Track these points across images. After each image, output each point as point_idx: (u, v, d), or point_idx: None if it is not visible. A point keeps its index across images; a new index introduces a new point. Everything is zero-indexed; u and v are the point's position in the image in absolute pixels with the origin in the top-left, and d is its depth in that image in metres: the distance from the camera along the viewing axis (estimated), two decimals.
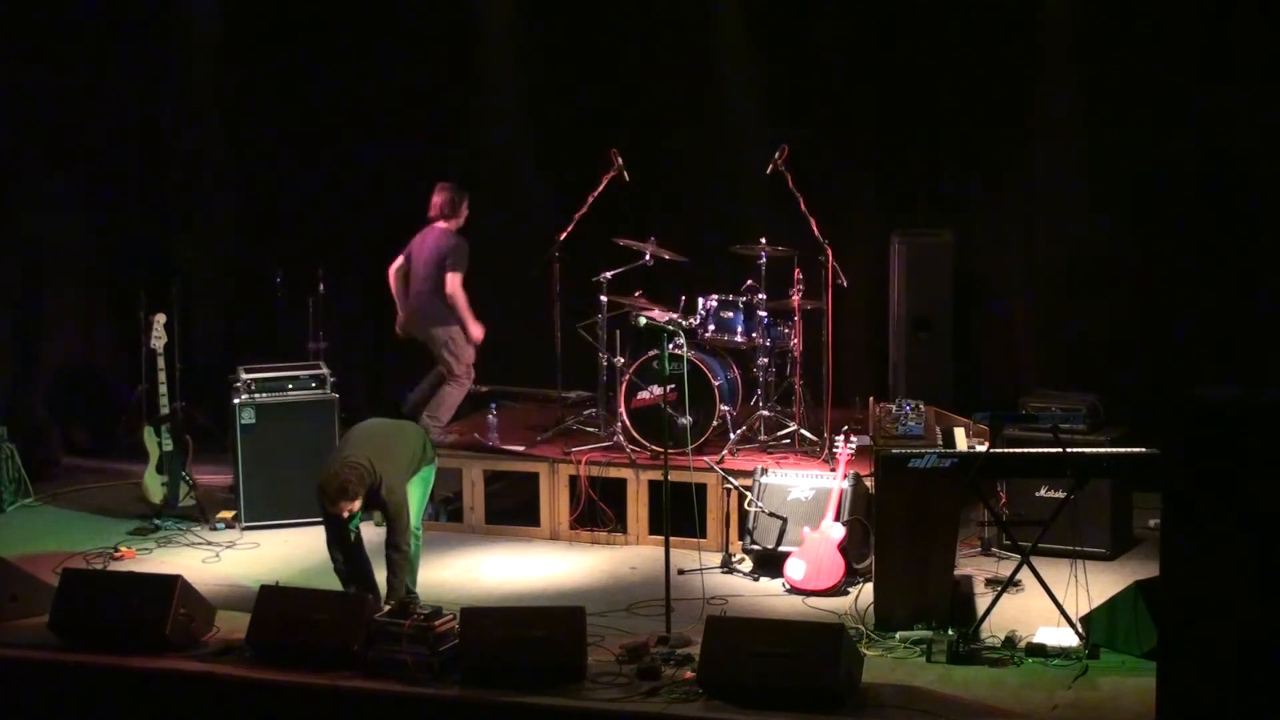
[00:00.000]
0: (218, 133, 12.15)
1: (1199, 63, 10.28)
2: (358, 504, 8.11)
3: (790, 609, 8.57)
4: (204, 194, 12.25)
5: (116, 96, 11.82)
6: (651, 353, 9.75)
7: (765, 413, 10.04)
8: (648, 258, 10.21)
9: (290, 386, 10.19)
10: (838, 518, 8.89)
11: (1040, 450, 8.32)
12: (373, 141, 11.93)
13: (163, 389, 10.39)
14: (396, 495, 8.22)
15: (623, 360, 10.06)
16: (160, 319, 10.40)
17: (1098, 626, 7.87)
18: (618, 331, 10.22)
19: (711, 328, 10.09)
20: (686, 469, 9.25)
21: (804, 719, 7.11)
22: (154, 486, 10.25)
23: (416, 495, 8.50)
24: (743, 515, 9.29)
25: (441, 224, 10.37)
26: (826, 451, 9.61)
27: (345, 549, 8.35)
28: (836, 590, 8.71)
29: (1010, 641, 7.82)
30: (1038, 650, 7.74)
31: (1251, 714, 6.57)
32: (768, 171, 9.85)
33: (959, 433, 8.45)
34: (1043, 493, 9.07)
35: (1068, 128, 10.71)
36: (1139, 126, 10.49)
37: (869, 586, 8.43)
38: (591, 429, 10.22)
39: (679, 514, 8.70)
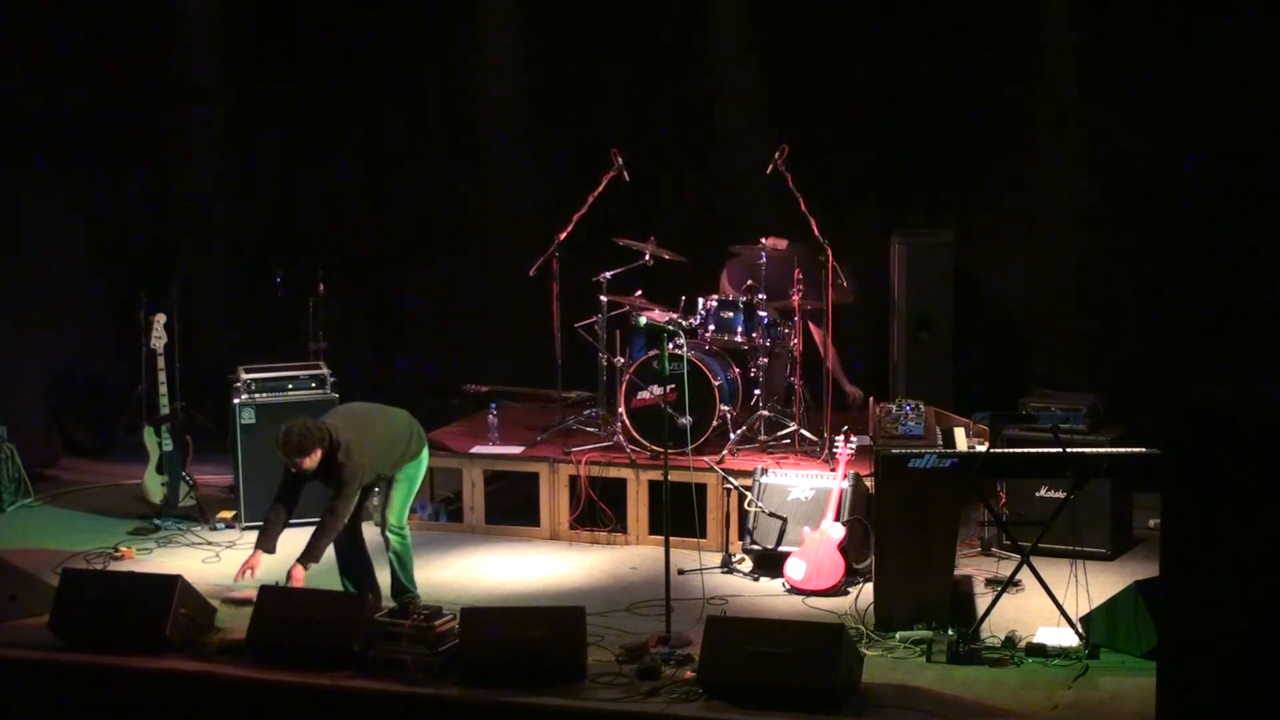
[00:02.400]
0: (218, 133, 12.14)
1: (1199, 62, 10.28)
2: (308, 461, 8.06)
3: (790, 609, 8.57)
4: (204, 194, 12.25)
5: (117, 96, 11.81)
6: (652, 353, 9.76)
7: (765, 413, 10.04)
8: (648, 258, 10.22)
9: (290, 386, 10.19)
10: (838, 518, 8.89)
11: (1040, 450, 8.32)
12: (373, 141, 11.93)
13: (163, 389, 10.40)
14: (351, 464, 8.12)
15: (623, 360, 10.07)
16: (160, 319, 10.40)
17: (1098, 626, 7.87)
18: (618, 331, 10.22)
19: (711, 328, 10.09)
20: (686, 469, 9.24)
21: (804, 719, 7.12)
22: (154, 486, 10.25)
23: (401, 492, 8.48)
24: (743, 515, 9.29)
25: None
26: (826, 451, 9.61)
27: (287, 503, 8.30)
28: (836, 590, 8.71)
29: (1010, 641, 7.82)
30: (1038, 650, 7.74)
31: (1251, 714, 6.56)
32: (768, 171, 9.85)
33: (959, 433, 8.45)
34: (1043, 493, 9.06)
35: (1068, 127, 10.71)
36: (1139, 126, 10.49)
37: (869, 586, 8.43)
38: (591, 429, 10.22)
39: (679, 514, 8.70)
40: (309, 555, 8.16)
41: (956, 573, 8.56)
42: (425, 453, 8.63)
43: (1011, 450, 8.45)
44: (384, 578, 8.52)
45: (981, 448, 8.26)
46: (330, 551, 8.39)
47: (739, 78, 11.31)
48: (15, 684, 7.96)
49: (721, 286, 10.52)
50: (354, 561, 8.50)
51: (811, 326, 10.25)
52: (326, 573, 8.69)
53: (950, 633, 7.86)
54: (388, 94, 11.89)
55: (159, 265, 11.82)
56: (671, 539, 8.32)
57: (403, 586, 8.48)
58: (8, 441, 10.52)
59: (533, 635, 7.57)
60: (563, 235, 10.09)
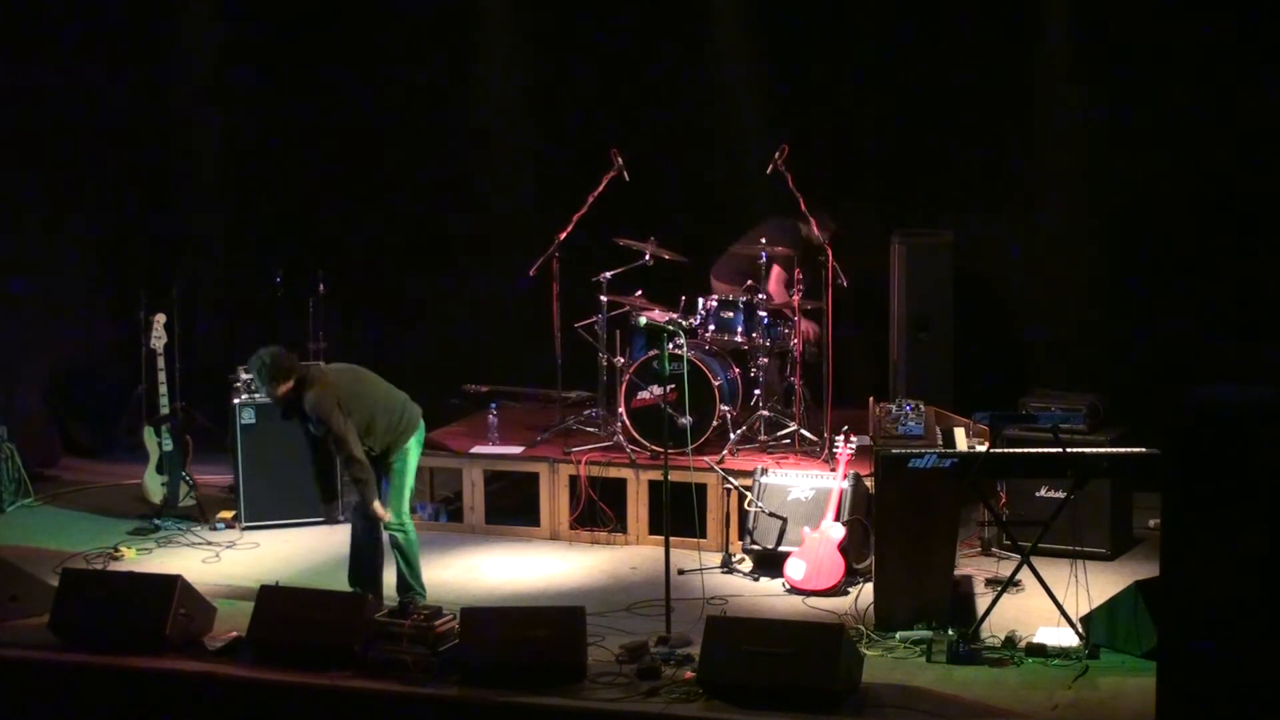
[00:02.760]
0: (218, 133, 12.15)
1: (1199, 62, 10.28)
2: (274, 388, 8.28)
3: (790, 609, 8.57)
4: (204, 194, 12.25)
5: (117, 96, 11.82)
6: (652, 353, 9.76)
7: (765, 413, 10.04)
8: (648, 258, 10.22)
9: None
10: (838, 518, 8.89)
11: (1040, 450, 8.31)
12: (373, 141, 11.93)
13: (163, 389, 10.40)
14: (319, 404, 8.22)
15: (623, 360, 10.07)
16: (160, 319, 10.40)
17: (1098, 626, 7.87)
18: (618, 332, 10.22)
19: (711, 328, 10.09)
20: (686, 469, 9.24)
21: (804, 719, 7.12)
22: (154, 486, 10.25)
23: (395, 485, 8.46)
24: (743, 515, 9.29)
25: None
26: (826, 451, 9.61)
27: (322, 461, 8.66)
28: (836, 590, 8.71)
29: (1010, 641, 7.82)
30: (1038, 650, 7.74)
31: (1251, 714, 6.56)
32: (768, 171, 9.85)
33: (959, 433, 8.46)
34: (1043, 493, 9.06)
35: (1068, 128, 10.71)
36: (1139, 126, 10.49)
37: (869, 586, 8.43)
38: (591, 429, 10.22)
39: (679, 514, 8.70)
40: (365, 504, 8.32)
41: (956, 573, 8.57)
42: (414, 442, 8.53)
43: (1011, 450, 8.45)
44: (390, 579, 8.53)
45: (981, 448, 8.26)
46: (344, 547, 8.53)
47: (739, 77, 11.31)
48: (15, 684, 7.96)
49: (713, 285, 10.52)
50: (366, 561, 8.49)
51: (776, 268, 10.23)
52: (329, 572, 8.70)
53: (950, 633, 7.86)
54: (388, 94, 11.89)
55: (159, 265, 11.82)
56: (671, 539, 8.33)
57: (406, 584, 8.47)
58: (8, 441, 10.52)
59: (533, 635, 7.57)
60: (563, 235, 10.08)
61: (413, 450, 8.53)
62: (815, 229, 9.79)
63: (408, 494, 8.55)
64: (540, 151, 11.70)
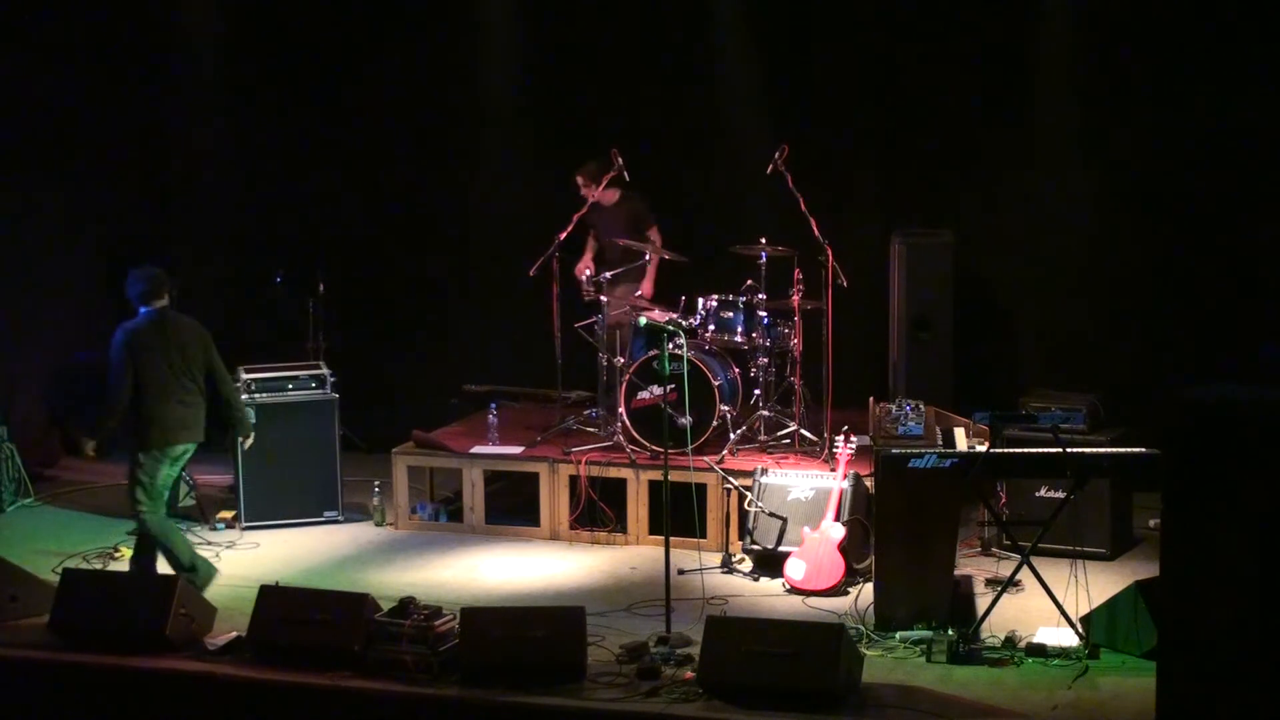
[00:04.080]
0: (218, 133, 12.14)
1: (1198, 62, 10.29)
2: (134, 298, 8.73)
3: (790, 609, 8.57)
4: (204, 193, 12.25)
5: (117, 96, 11.81)
6: (652, 353, 9.76)
7: (765, 413, 10.04)
8: (648, 257, 10.21)
9: (290, 386, 10.20)
10: (838, 518, 8.89)
11: (1040, 450, 8.31)
12: (373, 141, 11.93)
13: None
14: (115, 344, 8.63)
15: (623, 360, 10.07)
16: None
17: (1098, 626, 7.87)
18: (617, 332, 10.22)
19: (711, 328, 10.09)
20: (686, 469, 9.24)
21: (804, 719, 7.12)
22: None
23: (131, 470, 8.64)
24: (743, 515, 9.29)
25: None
26: (826, 451, 9.61)
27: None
28: (836, 590, 8.71)
29: (1010, 641, 7.82)
30: (1038, 650, 7.74)
31: (1251, 714, 6.57)
32: (768, 171, 9.85)
33: (959, 433, 8.45)
34: (1043, 493, 9.07)
35: (1068, 128, 10.71)
36: (1139, 126, 10.50)
37: (869, 586, 8.43)
38: (591, 429, 10.22)
39: (679, 514, 8.70)
40: (91, 432, 8.68)
41: (956, 573, 8.56)
42: (175, 449, 8.68)
43: (1011, 450, 8.43)
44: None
45: (981, 448, 8.26)
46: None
47: (739, 78, 11.31)
48: (15, 684, 7.96)
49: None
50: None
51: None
52: (329, 573, 8.70)
53: (950, 633, 7.86)
54: (388, 94, 11.89)
55: (159, 265, 11.79)
56: (671, 539, 8.33)
57: (179, 565, 8.61)
58: (8, 442, 10.53)
59: (533, 635, 7.57)
60: (563, 235, 10.09)
61: (150, 454, 8.65)
62: (815, 229, 9.78)
63: (140, 488, 8.65)
64: (540, 151, 11.69)
